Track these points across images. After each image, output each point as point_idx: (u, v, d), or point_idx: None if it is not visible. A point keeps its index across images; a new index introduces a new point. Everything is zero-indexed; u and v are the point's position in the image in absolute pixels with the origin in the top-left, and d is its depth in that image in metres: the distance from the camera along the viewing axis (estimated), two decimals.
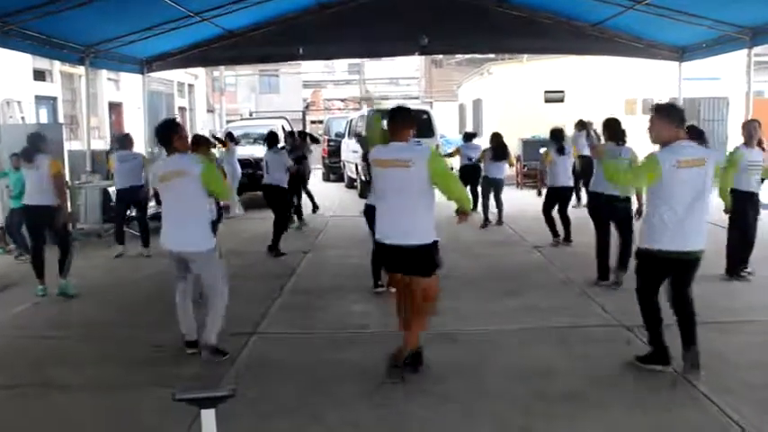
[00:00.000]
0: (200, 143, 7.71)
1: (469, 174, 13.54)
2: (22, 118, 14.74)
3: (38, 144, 7.95)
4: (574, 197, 12.61)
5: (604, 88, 19.29)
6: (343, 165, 20.99)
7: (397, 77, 46.46)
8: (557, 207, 10.42)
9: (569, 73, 19.87)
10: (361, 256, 8.12)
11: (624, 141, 7.62)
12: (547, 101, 20.32)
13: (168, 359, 5.58)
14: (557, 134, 10.79)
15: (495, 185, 12.60)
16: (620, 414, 4.45)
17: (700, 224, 4.92)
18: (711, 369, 5.00)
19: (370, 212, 7.86)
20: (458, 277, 8.41)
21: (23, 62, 15.21)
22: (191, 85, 28.23)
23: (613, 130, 7.64)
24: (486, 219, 12.47)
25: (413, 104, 21.90)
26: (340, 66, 46.56)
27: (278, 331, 6.44)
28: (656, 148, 5.00)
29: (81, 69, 14.68)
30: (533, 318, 6.63)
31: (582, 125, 14.69)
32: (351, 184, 19.27)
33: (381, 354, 5.60)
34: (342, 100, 43.32)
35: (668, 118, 4.95)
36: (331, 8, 14.19)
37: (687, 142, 4.99)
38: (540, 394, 4.76)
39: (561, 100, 20.15)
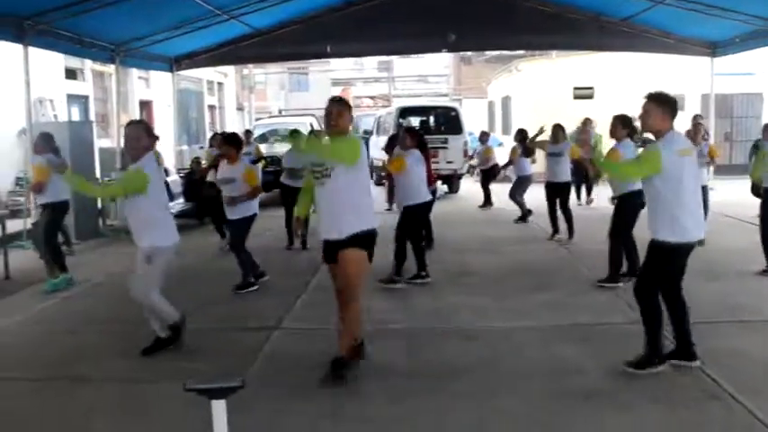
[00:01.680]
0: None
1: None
2: (55, 116, 14.95)
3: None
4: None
5: (634, 84, 18.91)
6: (372, 162, 20.97)
7: (427, 75, 46.33)
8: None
9: (599, 69, 19.62)
10: (384, 253, 8.10)
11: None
12: (576, 98, 20.10)
13: (188, 354, 5.62)
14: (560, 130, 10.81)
15: (526, 183, 12.58)
16: (645, 412, 4.37)
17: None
18: (738, 368, 4.93)
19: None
20: (480, 274, 8.39)
21: (56, 61, 15.41)
22: (220, 84, 28.41)
23: (631, 126, 7.57)
24: (524, 214, 12.59)
25: (441, 102, 21.90)
26: (369, 63, 46.57)
27: (300, 327, 6.45)
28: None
29: (112, 68, 14.84)
30: (556, 315, 6.56)
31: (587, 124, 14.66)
32: (379, 182, 19.28)
33: (402, 349, 5.63)
34: (371, 98, 43.34)
35: (667, 107, 4.85)
36: (358, 5, 14.18)
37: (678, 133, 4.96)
38: (562, 392, 4.70)
39: (590, 97, 19.90)
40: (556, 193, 10.58)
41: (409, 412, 4.46)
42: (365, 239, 4.96)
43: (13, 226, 9.94)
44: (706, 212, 10.06)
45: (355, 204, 4.91)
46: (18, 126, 13.05)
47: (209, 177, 9.73)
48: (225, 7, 12.28)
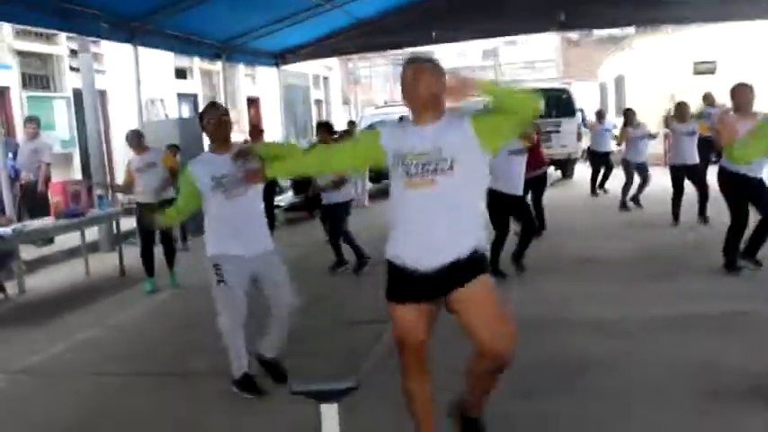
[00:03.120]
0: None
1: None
2: (166, 115, 15.28)
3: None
4: None
5: (763, 56, 17.67)
6: None
7: (533, 61, 45.17)
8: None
9: (721, 41, 18.38)
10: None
11: None
12: (696, 73, 18.92)
13: (297, 350, 5.38)
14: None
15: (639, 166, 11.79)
16: None
17: None
18: None
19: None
20: (603, 260, 7.87)
21: (166, 61, 15.77)
22: (326, 78, 28.54)
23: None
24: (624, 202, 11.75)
25: (552, 84, 21.19)
26: (474, 52, 45.84)
27: None
28: None
29: (219, 66, 15.02)
30: (691, 303, 5.98)
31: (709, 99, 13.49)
32: None
33: (526, 341, 5.19)
34: None
35: None
36: None
37: None
38: (709, 391, 4.15)
39: (713, 71, 18.69)
40: (687, 175, 9.68)
41: (541, 411, 4.07)
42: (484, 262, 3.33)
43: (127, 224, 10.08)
44: None
45: (474, 219, 3.31)
46: (132, 126, 13.33)
47: None
48: None
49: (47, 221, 8.32)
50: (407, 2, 13.89)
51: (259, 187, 4.58)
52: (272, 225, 10.98)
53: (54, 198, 8.23)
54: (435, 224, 3.15)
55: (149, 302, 7.44)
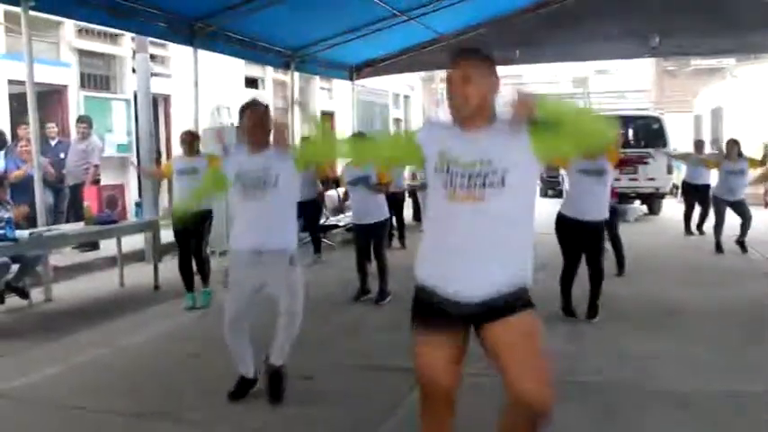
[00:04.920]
0: None
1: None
2: (232, 123, 14.79)
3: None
4: None
5: None
6: (562, 179, 19.33)
7: (624, 90, 43.63)
8: None
9: None
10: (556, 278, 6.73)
11: None
12: None
13: (318, 396, 4.56)
14: None
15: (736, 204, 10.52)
16: None
17: None
18: None
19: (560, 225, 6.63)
20: (690, 313, 6.77)
21: (237, 70, 15.37)
22: (407, 96, 27.87)
23: None
24: (719, 243, 10.47)
25: (642, 111, 20.08)
26: (564, 79, 44.63)
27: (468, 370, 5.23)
28: None
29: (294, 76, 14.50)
30: None
31: None
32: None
33: (590, 413, 4.25)
34: None
35: None
36: (549, 6, 12.88)
37: None
38: None
39: None
40: None
41: None
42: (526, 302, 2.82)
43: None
44: None
45: (524, 245, 2.82)
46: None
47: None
48: (403, 8, 11.44)
49: (75, 227, 7.75)
50: (490, 18, 13.07)
51: (287, 193, 4.38)
52: (317, 248, 10.29)
53: (86, 202, 7.67)
54: (480, 248, 2.71)
55: (170, 323, 6.69)
